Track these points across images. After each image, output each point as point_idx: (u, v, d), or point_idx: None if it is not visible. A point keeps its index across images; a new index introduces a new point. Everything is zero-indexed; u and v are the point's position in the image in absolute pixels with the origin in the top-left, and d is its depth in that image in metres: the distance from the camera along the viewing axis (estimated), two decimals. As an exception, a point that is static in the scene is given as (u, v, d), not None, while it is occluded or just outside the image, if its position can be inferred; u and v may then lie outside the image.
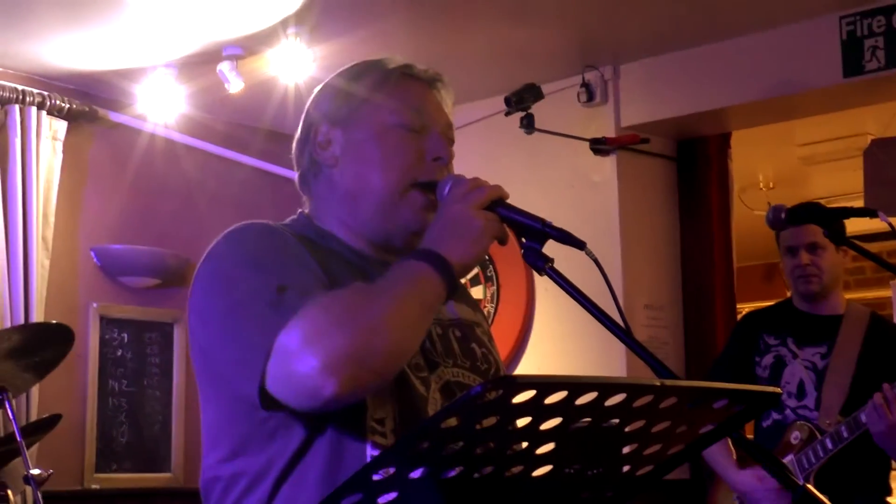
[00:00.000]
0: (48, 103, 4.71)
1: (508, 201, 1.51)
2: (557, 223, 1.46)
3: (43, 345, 3.66)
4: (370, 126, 1.62)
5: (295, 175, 1.71)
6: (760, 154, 5.87)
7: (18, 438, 3.47)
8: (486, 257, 5.09)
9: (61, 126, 4.76)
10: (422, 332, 1.46)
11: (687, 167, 5.07)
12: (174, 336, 5.14)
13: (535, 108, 4.51)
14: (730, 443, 3.34)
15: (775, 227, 2.86)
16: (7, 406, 3.52)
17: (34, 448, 4.11)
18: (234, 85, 4.50)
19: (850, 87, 4.36)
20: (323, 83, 1.71)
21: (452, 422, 1.11)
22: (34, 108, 4.66)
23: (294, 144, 1.70)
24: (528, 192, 4.45)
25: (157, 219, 5.14)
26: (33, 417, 4.32)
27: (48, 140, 4.70)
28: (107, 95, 4.95)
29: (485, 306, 5.04)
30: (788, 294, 3.54)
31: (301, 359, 1.33)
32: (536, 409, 1.11)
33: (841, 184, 6.28)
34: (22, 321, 4.43)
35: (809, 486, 1.30)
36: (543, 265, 1.45)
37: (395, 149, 1.60)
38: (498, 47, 4.60)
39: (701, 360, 4.79)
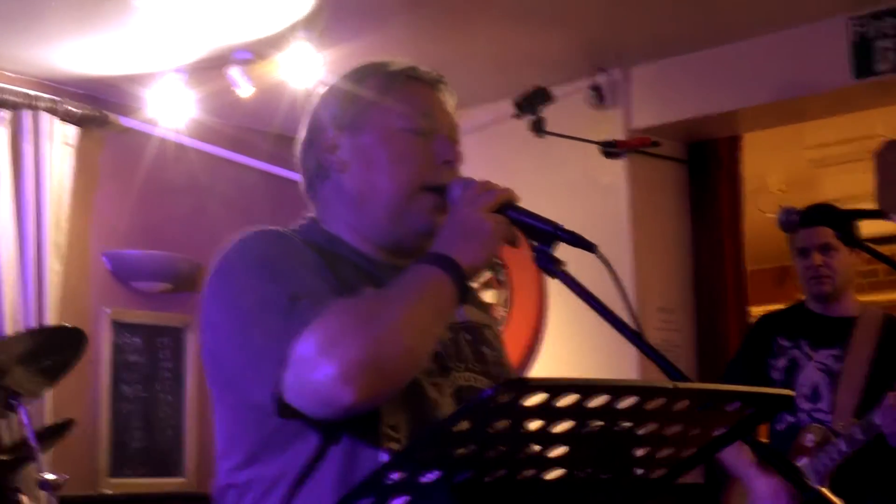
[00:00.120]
0: (59, 108, 4.72)
1: (518, 204, 1.50)
2: (568, 226, 1.45)
3: (56, 348, 3.66)
4: (378, 130, 1.61)
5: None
6: (771, 157, 5.85)
7: (33, 444, 3.47)
8: (499, 261, 5.08)
9: (72, 131, 4.78)
10: (436, 338, 1.46)
11: (698, 170, 5.05)
12: (186, 341, 5.16)
13: (545, 112, 4.49)
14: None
15: (787, 229, 2.84)
16: (21, 411, 3.52)
17: (48, 453, 4.11)
18: (244, 89, 4.51)
19: (860, 89, 4.35)
20: (327, 87, 1.71)
21: (464, 425, 1.11)
22: (45, 114, 4.68)
23: (298, 148, 1.70)
24: (538, 195, 4.35)
25: (168, 223, 5.15)
26: (47, 422, 4.32)
27: (59, 145, 4.71)
28: (117, 100, 4.96)
29: (497, 310, 5.04)
30: (801, 297, 3.53)
31: (317, 367, 1.33)
32: (548, 412, 1.11)
33: (852, 186, 6.24)
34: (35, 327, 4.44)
35: (823, 490, 1.29)
36: (555, 268, 1.45)
37: (404, 153, 1.59)
38: (507, 51, 4.60)
39: (713, 364, 4.78)
